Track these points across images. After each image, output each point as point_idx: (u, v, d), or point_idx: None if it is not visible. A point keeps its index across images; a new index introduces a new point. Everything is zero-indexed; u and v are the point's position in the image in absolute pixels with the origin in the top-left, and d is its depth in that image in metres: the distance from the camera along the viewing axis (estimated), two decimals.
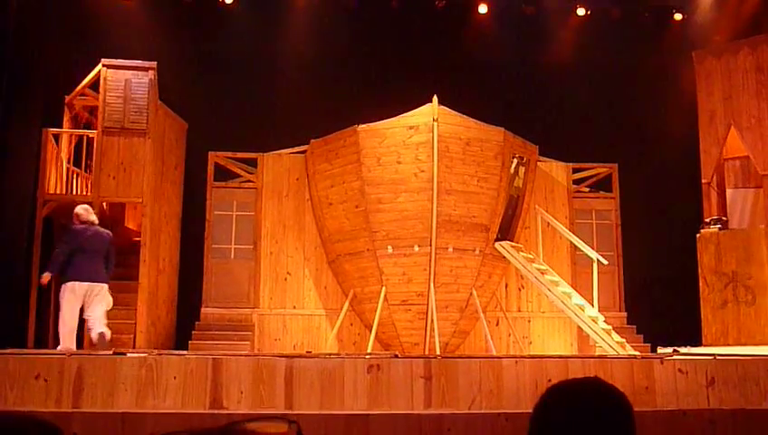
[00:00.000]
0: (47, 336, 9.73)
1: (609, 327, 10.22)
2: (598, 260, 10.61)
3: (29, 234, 9.81)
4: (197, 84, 12.12)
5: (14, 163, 10.07)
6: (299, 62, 12.55)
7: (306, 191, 11.58)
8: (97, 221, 8.28)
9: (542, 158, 11.87)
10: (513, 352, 11.01)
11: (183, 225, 11.82)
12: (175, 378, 5.29)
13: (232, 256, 11.58)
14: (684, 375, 5.72)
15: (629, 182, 12.19)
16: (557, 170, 12.15)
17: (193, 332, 10.86)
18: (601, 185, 12.38)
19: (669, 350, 8.08)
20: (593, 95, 12.64)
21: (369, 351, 10.03)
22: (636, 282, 11.94)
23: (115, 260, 8.40)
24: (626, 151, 12.37)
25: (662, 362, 5.77)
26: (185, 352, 7.64)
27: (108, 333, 7.95)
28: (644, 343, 10.82)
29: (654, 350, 9.71)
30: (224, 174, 11.81)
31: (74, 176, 10.55)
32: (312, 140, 11.32)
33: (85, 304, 7.96)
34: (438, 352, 9.76)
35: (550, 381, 5.18)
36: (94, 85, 10.45)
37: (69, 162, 10.49)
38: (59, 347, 7.83)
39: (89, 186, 10.40)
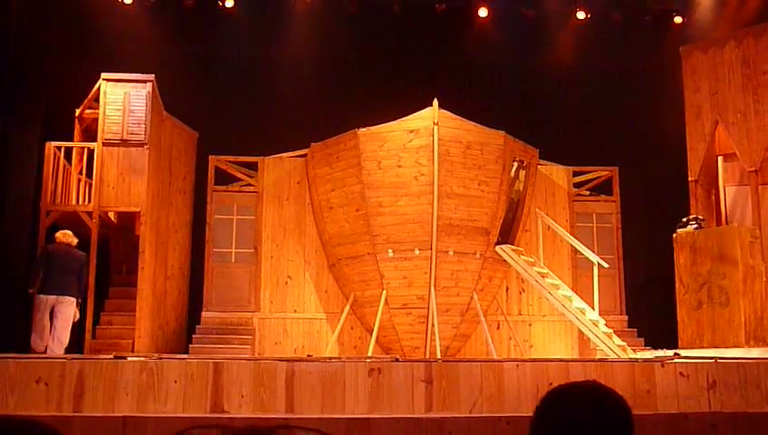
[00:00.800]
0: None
1: (610, 331, 10.22)
2: (598, 263, 10.60)
3: (32, 244, 10.11)
4: (198, 89, 12.16)
5: (17, 175, 10.50)
6: (299, 66, 12.59)
7: (307, 195, 11.59)
8: (75, 243, 9.14)
9: (542, 161, 11.87)
10: (513, 355, 11.02)
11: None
12: (176, 382, 5.28)
13: (233, 259, 11.59)
14: (685, 378, 5.71)
15: (630, 185, 12.18)
16: (557, 174, 12.15)
17: (194, 335, 10.90)
18: (602, 188, 12.37)
19: (664, 353, 8.00)
20: (594, 98, 12.67)
21: (369, 354, 10.02)
22: (637, 285, 11.92)
23: (86, 280, 9.30)
24: (626, 154, 12.36)
25: (663, 366, 5.76)
26: (185, 355, 7.64)
27: (56, 349, 8.65)
28: (645, 346, 10.79)
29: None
30: (224, 178, 11.83)
31: (87, 186, 10.67)
32: (313, 144, 11.33)
33: (53, 314, 8.82)
34: (439, 356, 9.76)
35: (551, 384, 5.17)
36: (98, 98, 10.59)
37: (81, 173, 10.67)
38: (31, 347, 8.70)
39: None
